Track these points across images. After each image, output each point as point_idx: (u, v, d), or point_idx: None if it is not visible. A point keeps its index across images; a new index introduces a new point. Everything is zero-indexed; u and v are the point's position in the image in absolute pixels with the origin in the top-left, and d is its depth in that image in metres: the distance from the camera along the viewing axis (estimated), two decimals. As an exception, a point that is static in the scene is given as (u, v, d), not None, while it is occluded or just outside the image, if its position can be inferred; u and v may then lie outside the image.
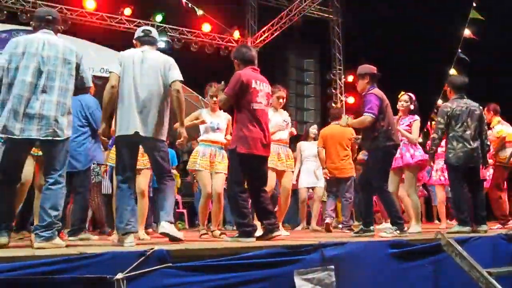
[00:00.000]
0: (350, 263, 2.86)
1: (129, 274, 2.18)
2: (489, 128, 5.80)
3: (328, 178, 5.68)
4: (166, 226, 3.10)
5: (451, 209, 6.84)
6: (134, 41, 3.48)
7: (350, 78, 13.61)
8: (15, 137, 2.82)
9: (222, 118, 4.57)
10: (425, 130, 9.51)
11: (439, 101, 10.56)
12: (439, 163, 6.10)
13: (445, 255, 2.98)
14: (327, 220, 5.48)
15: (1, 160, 2.92)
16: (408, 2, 11.27)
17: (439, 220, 8.79)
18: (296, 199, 6.37)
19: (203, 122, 4.42)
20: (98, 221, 6.13)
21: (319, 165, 5.84)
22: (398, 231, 3.90)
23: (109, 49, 11.31)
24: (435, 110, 10.81)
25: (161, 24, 11.48)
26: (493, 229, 4.97)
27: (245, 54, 3.77)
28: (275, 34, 12.52)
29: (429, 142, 5.95)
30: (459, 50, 10.27)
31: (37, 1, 9.92)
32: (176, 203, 6.99)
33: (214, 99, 4.41)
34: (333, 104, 12.53)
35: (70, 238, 4.18)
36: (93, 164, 5.57)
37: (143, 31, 3.46)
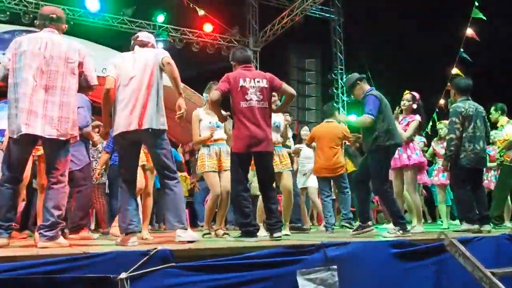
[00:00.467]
0: (353, 263, 2.86)
1: (132, 273, 2.18)
2: (495, 127, 5.81)
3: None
4: (182, 235, 3.03)
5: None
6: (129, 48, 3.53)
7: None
8: (22, 134, 2.82)
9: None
10: (428, 131, 9.53)
11: (441, 101, 10.56)
12: (438, 163, 6.10)
13: (448, 255, 2.97)
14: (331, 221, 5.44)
15: (6, 158, 2.94)
16: (410, 1, 11.26)
17: (433, 220, 8.82)
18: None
19: (209, 138, 4.48)
20: (100, 222, 6.14)
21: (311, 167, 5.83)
22: (400, 231, 3.90)
23: (111, 50, 11.32)
24: (437, 110, 10.81)
25: (163, 25, 11.51)
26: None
27: (240, 55, 3.85)
28: (277, 34, 12.53)
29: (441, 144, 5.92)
30: (461, 50, 10.26)
31: (40, 2, 9.93)
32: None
33: None
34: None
35: (70, 236, 4.19)
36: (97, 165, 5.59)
37: (132, 38, 3.53)
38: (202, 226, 5.93)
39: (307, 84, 13.79)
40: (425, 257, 3.16)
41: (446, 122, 5.21)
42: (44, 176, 3.84)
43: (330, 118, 5.59)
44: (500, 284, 2.60)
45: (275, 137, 4.73)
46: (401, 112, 5.00)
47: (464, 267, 2.76)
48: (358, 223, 4.35)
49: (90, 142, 4.69)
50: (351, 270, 2.83)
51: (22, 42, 2.98)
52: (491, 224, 4.80)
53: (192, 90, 10.30)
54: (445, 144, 4.93)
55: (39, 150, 3.79)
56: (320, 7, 12.62)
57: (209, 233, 4.49)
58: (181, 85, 3.34)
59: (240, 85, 3.63)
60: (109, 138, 3.74)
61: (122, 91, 3.22)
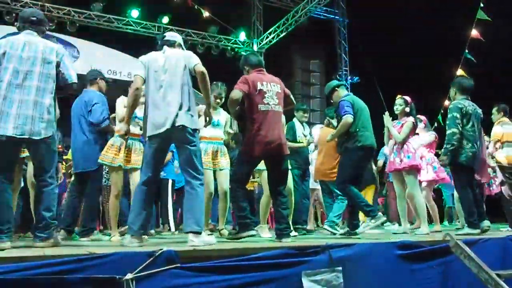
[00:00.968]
0: (358, 265, 2.86)
1: (138, 274, 2.19)
2: None
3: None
4: (194, 240, 2.96)
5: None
6: (157, 48, 3.50)
7: (356, 79, 13.60)
8: None
9: (222, 115, 4.63)
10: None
11: (446, 102, 10.52)
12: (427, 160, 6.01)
13: (453, 257, 2.96)
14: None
15: None
16: (414, 3, 11.24)
17: (448, 221, 8.78)
18: None
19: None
20: (108, 223, 6.15)
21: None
22: (373, 220, 4.03)
23: (116, 51, 11.39)
24: (442, 111, 10.78)
25: (168, 26, 11.55)
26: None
27: (254, 59, 3.89)
28: (281, 36, 12.53)
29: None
30: (466, 51, 10.22)
31: (46, 4, 10.00)
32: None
33: (218, 100, 4.55)
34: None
35: (82, 239, 4.18)
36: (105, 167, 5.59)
37: (159, 38, 3.52)
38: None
39: (311, 85, 13.80)
40: (431, 258, 3.15)
41: None
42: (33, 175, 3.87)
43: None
44: (505, 285, 2.59)
45: None
46: (396, 116, 5.13)
47: (469, 269, 2.75)
48: (346, 229, 4.38)
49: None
50: (356, 272, 2.82)
51: (1, 44, 3.00)
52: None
53: (196, 91, 10.31)
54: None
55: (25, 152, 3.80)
56: (324, 8, 12.63)
57: (212, 234, 4.50)
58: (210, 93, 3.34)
59: (259, 88, 3.65)
60: (128, 137, 3.67)
61: (154, 91, 3.20)
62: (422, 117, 6.04)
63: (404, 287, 3.02)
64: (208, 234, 4.39)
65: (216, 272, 2.42)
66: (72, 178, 4.89)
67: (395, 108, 5.12)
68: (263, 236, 4.29)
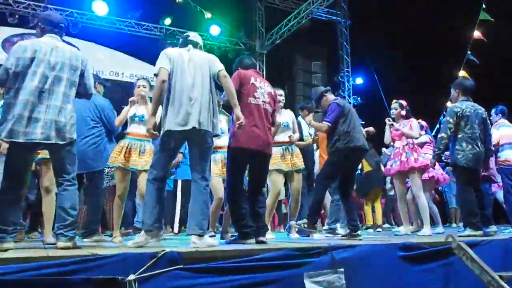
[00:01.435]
0: (360, 266, 2.86)
1: (140, 275, 2.20)
2: None
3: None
4: (196, 242, 2.96)
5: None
6: (178, 45, 3.52)
7: (358, 80, 13.59)
8: (19, 141, 2.83)
9: (224, 122, 4.62)
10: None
11: (448, 103, 10.51)
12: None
13: (455, 259, 2.96)
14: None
15: (7, 166, 2.93)
16: (415, 3, 11.24)
17: (456, 222, 8.77)
18: None
19: None
20: (109, 223, 6.17)
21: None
22: (305, 225, 4.21)
23: (118, 52, 11.42)
24: (444, 112, 10.77)
25: (170, 27, 11.57)
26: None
27: (249, 61, 3.95)
28: (283, 37, 12.54)
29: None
30: (468, 52, 10.21)
31: (48, 6, 10.04)
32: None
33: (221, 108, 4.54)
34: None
35: (84, 240, 4.19)
36: (107, 168, 5.62)
37: (183, 36, 3.54)
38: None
39: (313, 87, 13.78)
40: (433, 260, 3.14)
41: None
42: (47, 178, 3.88)
43: None
44: (508, 287, 2.59)
45: (283, 137, 4.75)
46: (394, 120, 5.34)
47: (472, 270, 2.75)
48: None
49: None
50: (358, 273, 2.83)
51: (27, 47, 2.97)
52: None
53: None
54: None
55: (40, 154, 3.82)
56: (326, 9, 12.62)
57: (214, 235, 4.50)
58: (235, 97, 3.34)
59: (251, 82, 3.68)
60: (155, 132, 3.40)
61: (177, 88, 3.17)
62: (423, 123, 6.09)
63: (406, 288, 3.02)
64: (211, 236, 4.41)
65: (218, 273, 2.42)
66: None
67: (391, 112, 5.37)
68: (267, 237, 4.28)
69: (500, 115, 5.81)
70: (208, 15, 11.73)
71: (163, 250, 2.34)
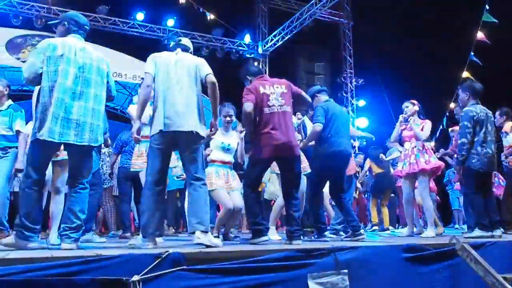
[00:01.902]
0: (364, 267, 2.85)
1: (144, 276, 2.20)
2: (499, 132, 5.76)
3: None
4: (200, 237, 2.98)
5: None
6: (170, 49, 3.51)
7: (361, 82, 13.58)
8: (55, 141, 2.84)
9: (233, 138, 4.59)
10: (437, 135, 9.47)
11: (452, 105, 10.48)
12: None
13: (460, 260, 2.95)
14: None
15: (34, 160, 2.92)
16: (418, 5, 11.23)
17: (459, 224, 8.74)
18: None
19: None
20: (108, 224, 6.19)
21: None
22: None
23: (121, 53, 11.45)
24: (447, 114, 10.74)
25: (173, 29, 11.60)
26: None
27: (254, 68, 4.01)
28: (286, 38, 12.56)
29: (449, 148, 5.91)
30: (472, 53, 10.19)
31: (52, 7, 10.08)
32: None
33: (227, 118, 4.48)
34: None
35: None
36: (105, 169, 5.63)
37: (175, 40, 3.54)
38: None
39: (316, 88, 13.78)
40: (437, 261, 3.13)
41: None
42: (60, 180, 3.89)
43: None
44: (513, 289, 2.58)
45: None
46: (406, 120, 5.19)
47: (476, 272, 2.74)
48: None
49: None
50: (362, 275, 2.82)
51: (57, 45, 2.94)
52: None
53: (203, 95, 10.35)
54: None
55: (60, 155, 3.82)
56: (329, 10, 12.63)
57: (218, 237, 4.50)
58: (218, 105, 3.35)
59: (262, 92, 3.69)
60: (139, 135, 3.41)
61: (163, 90, 3.17)
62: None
63: (410, 290, 3.01)
64: (215, 237, 4.41)
65: (222, 274, 2.42)
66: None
67: (404, 112, 5.20)
68: (272, 238, 4.29)
69: (504, 117, 5.79)
70: (211, 16, 11.75)
71: (167, 251, 2.34)
